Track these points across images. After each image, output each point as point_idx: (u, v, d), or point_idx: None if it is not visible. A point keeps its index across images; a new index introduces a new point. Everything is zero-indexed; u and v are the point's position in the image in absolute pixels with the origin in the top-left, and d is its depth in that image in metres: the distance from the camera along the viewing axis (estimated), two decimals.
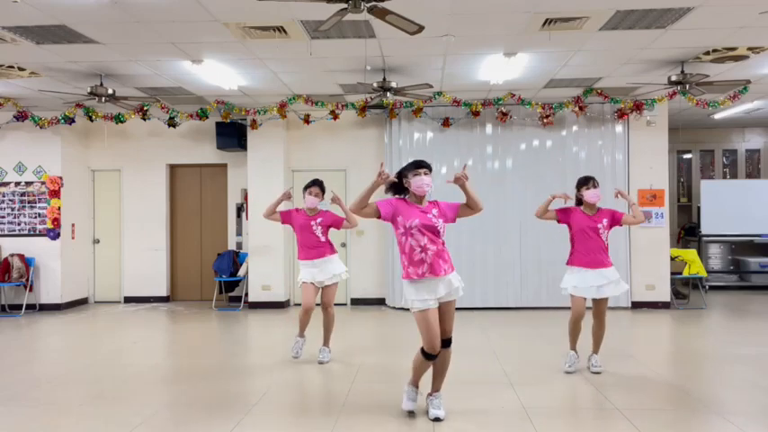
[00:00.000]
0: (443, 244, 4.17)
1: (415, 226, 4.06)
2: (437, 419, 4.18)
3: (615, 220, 5.38)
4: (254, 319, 8.76)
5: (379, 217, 4.13)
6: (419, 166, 4.13)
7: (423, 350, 4.12)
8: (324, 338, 6.04)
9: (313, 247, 5.82)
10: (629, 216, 5.48)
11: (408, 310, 4.19)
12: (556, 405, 4.68)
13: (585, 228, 5.29)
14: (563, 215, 5.40)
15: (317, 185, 5.87)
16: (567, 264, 5.46)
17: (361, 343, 7.02)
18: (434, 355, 4.11)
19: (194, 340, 7.47)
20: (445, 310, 4.17)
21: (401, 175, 4.21)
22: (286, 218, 5.94)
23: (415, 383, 4.35)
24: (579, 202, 5.45)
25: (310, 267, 5.83)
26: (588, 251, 5.30)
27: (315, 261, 5.81)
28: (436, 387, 4.32)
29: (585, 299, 5.35)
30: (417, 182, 4.10)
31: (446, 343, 4.19)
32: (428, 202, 4.22)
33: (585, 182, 5.36)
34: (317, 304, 5.90)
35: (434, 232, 4.09)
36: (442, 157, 9.29)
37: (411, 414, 4.27)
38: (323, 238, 5.85)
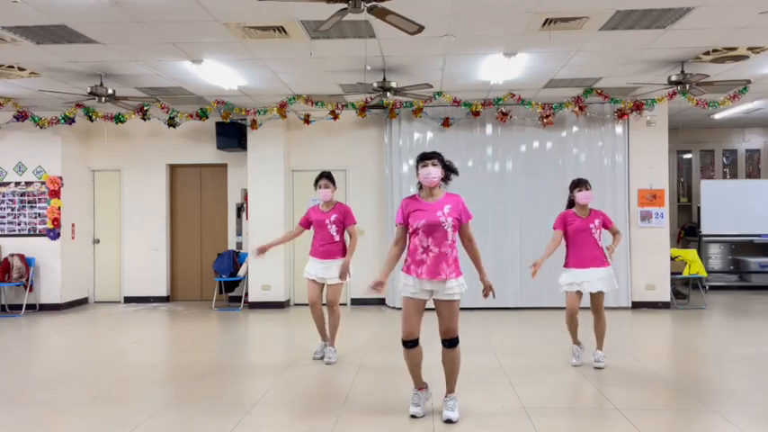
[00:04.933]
0: (451, 246, 4.15)
1: (421, 227, 4.11)
2: (449, 421, 4.16)
3: (605, 224, 5.66)
4: (254, 319, 8.76)
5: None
6: (425, 157, 4.22)
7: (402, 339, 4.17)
8: (330, 338, 6.03)
9: (324, 245, 5.84)
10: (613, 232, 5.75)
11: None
12: (556, 405, 4.68)
13: (579, 228, 5.55)
14: (561, 225, 5.63)
15: (324, 177, 5.90)
16: (564, 266, 5.67)
17: (361, 343, 7.01)
18: (410, 343, 4.14)
19: (194, 340, 7.47)
20: (441, 309, 4.18)
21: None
22: (305, 222, 5.99)
23: (417, 386, 4.35)
24: (571, 203, 5.70)
25: (316, 263, 5.88)
26: (582, 251, 5.54)
27: (322, 260, 5.84)
28: (449, 389, 4.31)
29: (580, 296, 5.57)
30: (424, 173, 4.18)
31: (447, 343, 4.19)
32: (443, 197, 4.22)
33: (578, 184, 5.65)
34: (323, 304, 5.92)
35: (440, 232, 4.10)
36: None
37: (413, 418, 4.24)
38: (337, 237, 5.85)
